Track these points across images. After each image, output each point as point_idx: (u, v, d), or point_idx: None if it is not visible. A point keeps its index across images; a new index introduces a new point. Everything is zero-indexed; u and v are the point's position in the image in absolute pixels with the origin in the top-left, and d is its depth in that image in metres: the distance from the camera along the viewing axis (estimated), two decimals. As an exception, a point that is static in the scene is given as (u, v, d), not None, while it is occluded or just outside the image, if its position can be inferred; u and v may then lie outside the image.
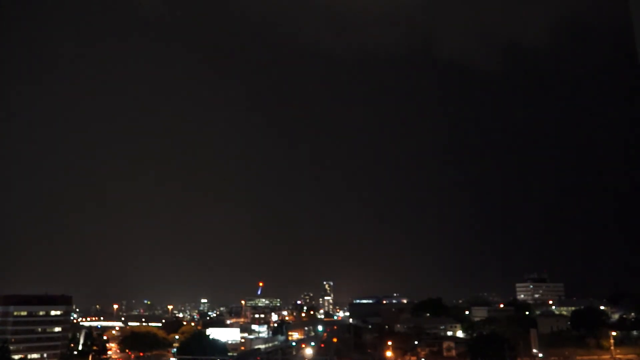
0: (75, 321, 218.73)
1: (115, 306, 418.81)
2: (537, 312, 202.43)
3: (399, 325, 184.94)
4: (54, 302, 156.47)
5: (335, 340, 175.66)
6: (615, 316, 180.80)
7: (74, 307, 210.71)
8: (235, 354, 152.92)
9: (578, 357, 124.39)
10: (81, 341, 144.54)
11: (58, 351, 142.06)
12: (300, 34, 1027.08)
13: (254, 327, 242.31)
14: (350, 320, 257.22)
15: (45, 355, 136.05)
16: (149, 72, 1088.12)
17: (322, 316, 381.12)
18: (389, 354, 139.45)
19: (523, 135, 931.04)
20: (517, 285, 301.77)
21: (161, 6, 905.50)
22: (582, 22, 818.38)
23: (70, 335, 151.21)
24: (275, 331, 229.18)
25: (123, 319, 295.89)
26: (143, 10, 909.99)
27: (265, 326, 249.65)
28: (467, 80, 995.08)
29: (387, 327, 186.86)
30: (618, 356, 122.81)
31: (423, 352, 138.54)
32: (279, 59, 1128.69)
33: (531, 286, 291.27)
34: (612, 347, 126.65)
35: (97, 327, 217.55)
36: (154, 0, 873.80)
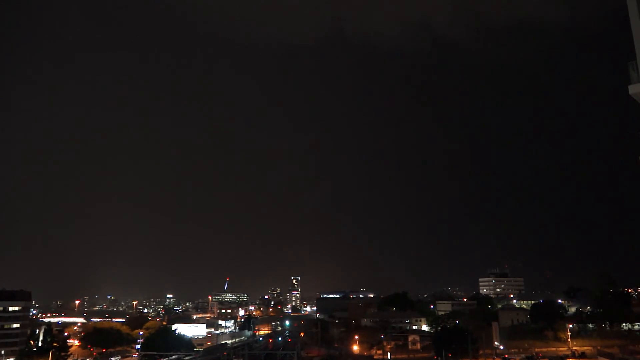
0: (34, 317, 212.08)
1: (77, 302, 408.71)
2: (499, 306, 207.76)
3: (365, 320, 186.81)
4: (12, 297, 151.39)
5: (302, 334, 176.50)
6: (572, 310, 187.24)
7: (33, 302, 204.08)
8: (201, 349, 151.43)
9: (537, 349, 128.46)
10: (40, 338, 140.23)
11: (16, 348, 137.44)
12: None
13: (221, 322, 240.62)
14: (318, 315, 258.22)
15: (2, 352, 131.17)
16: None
17: (290, 311, 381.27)
18: (355, 347, 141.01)
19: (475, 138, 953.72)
20: (480, 280, 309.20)
21: None
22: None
23: (29, 331, 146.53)
24: (242, 326, 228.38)
25: (85, 314, 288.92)
26: None
27: (232, 321, 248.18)
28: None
29: (353, 321, 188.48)
30: (574, 348, 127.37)
31: (389, 346, 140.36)
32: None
33: (493, 281, 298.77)
34: (569, 339, 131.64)
35: (57, 323, 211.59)
36: None
